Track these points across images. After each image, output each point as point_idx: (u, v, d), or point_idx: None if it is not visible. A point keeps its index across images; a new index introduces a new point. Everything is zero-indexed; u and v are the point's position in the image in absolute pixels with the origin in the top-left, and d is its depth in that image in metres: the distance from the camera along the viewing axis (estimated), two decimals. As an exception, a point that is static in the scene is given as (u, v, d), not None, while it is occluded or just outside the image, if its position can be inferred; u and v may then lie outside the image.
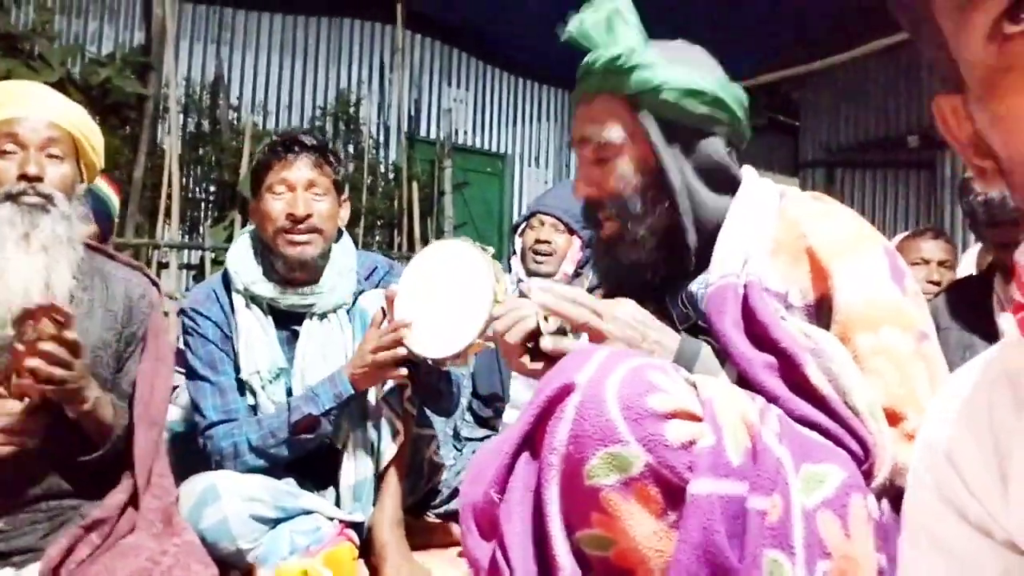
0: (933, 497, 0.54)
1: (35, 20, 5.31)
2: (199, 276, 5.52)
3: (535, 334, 1.08)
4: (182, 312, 1.79)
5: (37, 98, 1.38)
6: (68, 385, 1.23)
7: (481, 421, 2.37)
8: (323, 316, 1.76)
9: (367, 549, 1.63)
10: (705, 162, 1.07)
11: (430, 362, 1.53)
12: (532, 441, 0.86)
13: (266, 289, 1.73)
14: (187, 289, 5.24)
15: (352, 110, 6.82)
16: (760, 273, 1.00)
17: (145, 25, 5.93)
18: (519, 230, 2.61)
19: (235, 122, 6.20)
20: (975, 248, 2.81)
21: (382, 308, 1.61)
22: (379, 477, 1.65)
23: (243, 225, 5.33)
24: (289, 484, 1.65)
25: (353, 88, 6.91)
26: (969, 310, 1.84)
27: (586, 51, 1.07)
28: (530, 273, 2.51)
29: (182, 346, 1.77)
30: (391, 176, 6.92)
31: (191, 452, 1.72)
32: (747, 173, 1.12)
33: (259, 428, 1.65)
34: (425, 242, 6.45)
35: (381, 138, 7.04)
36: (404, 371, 1.58)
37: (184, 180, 5.71)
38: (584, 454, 0.79)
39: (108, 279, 1.44)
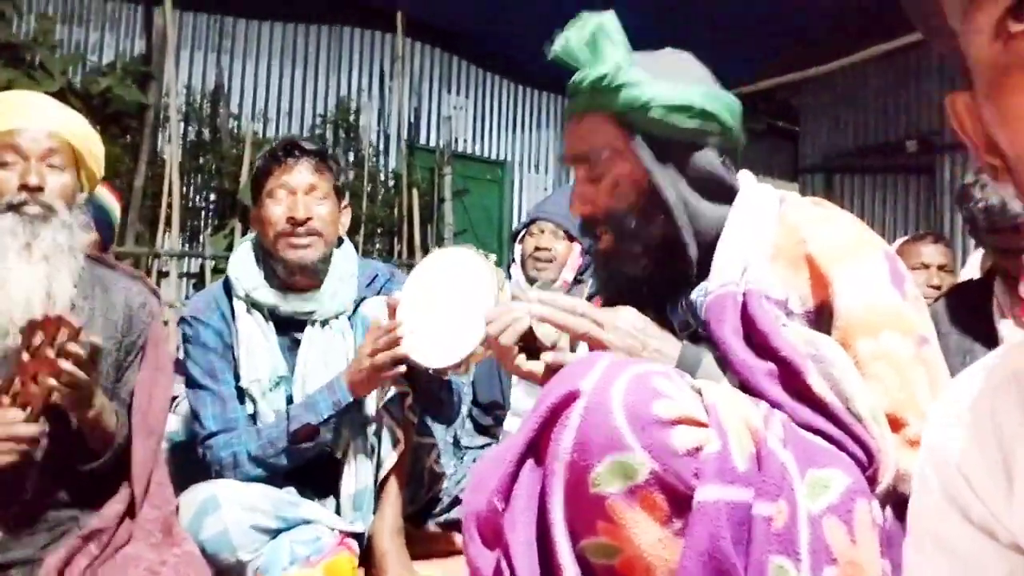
0: (937, 500, 0.54)
1: (36, 30, 5.33)
2: (199, 285, 5.52)
3: (530, 335, 1.08)
4: (182, 320, 1.78)
5: (37, 109, 1.39)
6: (81, 392, 1.23)
7: (481, 429, 2.37)
8: (325, 323, 1.76)
9: (367, 558, 1.62)
10: (699, 175, 1.07)
11: (431, 371, 1.53)
12: (536, 449, 0.85)
13: (267, 295, 1.73)
14: (187, 298, 5.24)
15: (352, 118, 6.84)
16: (760, 280, 1.00)
17: (146, 34, 5.95)
18: (519, 237, 2.61)
19: (235, 130, 6.22)
20: (979, 252, 2.81)
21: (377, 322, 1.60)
22: (379, 486, 1.64)
23: (243, 234, 5.34)
24: (290, 493, 1.65)
25: (353, 96, 6.93)
26: (969, 314, 1.84)
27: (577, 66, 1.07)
28: (530, 280, 2.51)
29: (182, 355, 1.77)
30: (391, 183, 6.94)
31: (191, 462, 1.71)
32: (744, 179, 1.12)
33: (258, 438, 1.64)
34: (425, 249, 6.46)
35: (381, 146, 7.06)
36: (403, 368, 1.57)
37: (184, 189, 5.72)
38: (589, 461, 0.79)
39: (108, 288, 1.44)
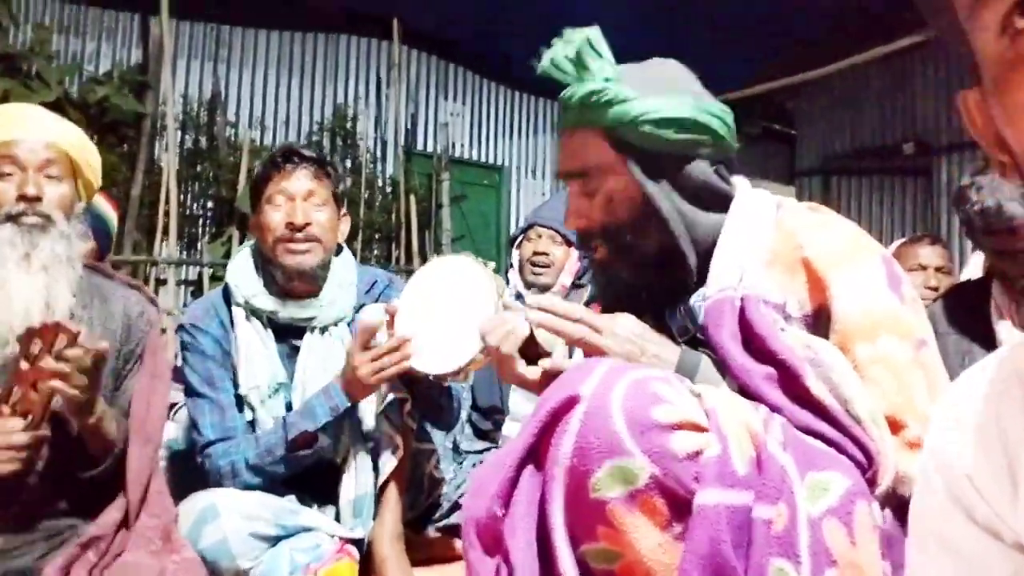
0: (942, 501, 0.54)
1: (33, 40, 5.34)
2: (197, 292, 5.53)
3: (529, 341, 1.08)
4: (180, 328, 1.78)
5: (35, 120, 1.40)
6: (81, 398, 1.24)
7: (481, 434, 2.37)
8: (324, 330, 1.76)
9: (367, 564, 1.62)
10: (693, 186, 1.07)
11: (431, 378, 1.53)
12: (536, 454, 0.85)
13: (266, 302, 1.73)
14: (185, 305, 5.23)
15: (349, 125, 6.85)
16: (757, 285, 1.00)
17: (142, 43, 5.97)
18: (516, 242, 2.61)
19: (232, 138, 6.22)
20: (980, 253, 2.82)
21: (368, 325, 1.59)
22: (379, 492, 1.64)
23: (241, 241, 5.35)
24: (290, 501, 1.64)
25: (350, 103, 6.95)
26: (967, 315, 1.85)
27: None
28: (528, 285, 2.51)
29: (180, 363, 1.77)
30: (389, 190, 6.95)
31: (190, 470, 1.71)
32: (739, 185, 1.12)
33: (256, 446, 1.64)
34: (423, 255, 6.46)
35: (378, 152, 7.07)
36: (404, 363, 1.56)
37: (182, 197, 5.72)
38: (589, 467, 0.79)
39: (107, 298, 1.45)
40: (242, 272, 1.77)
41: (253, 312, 1.74)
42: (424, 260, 5.94)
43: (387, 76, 7.02)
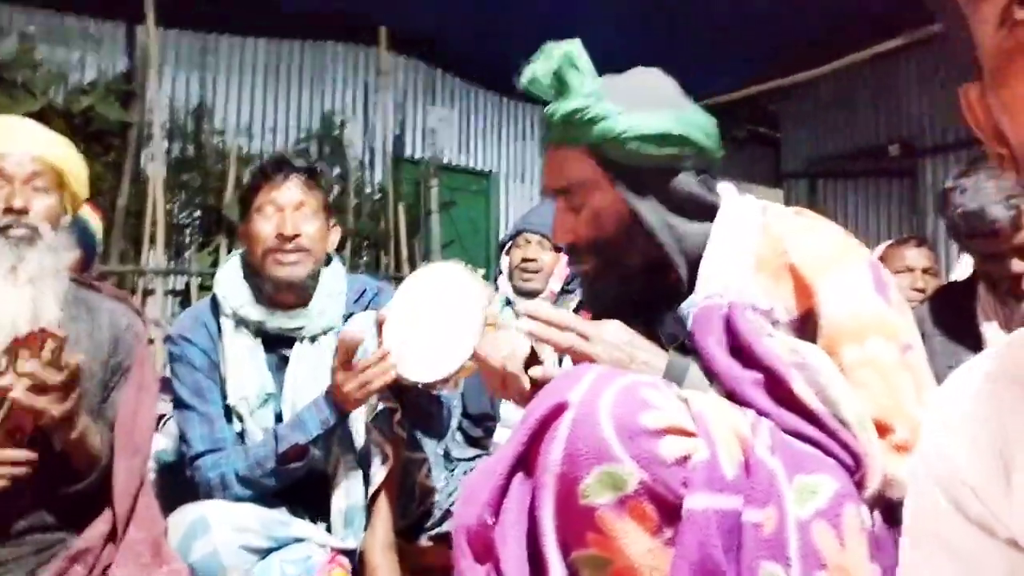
0: (936, 499, 0.54)
1: (17, 49, 5.30)
2: (185, 302, 5.49)
3: (532, 357, 1.09)
4: (168, 339, 1.77)
5: (22, 133, 1.41)
6: (61, 413, 1.22)
7: (472, 441, 2.37)
8: (313, 339, 1.75)
9: (360, 574, 1.61)
10: (678, 197, 1.07)
11: (420, 386, 1.52)
12: (526, 461, 0.86)
13: (254, 312, 1.73)
14: (173, 315, 5.20)
15: (337, 132, 6.83)
16: (744, 291, 1.01)
17: (128, 52, 5.93)
18: (506, 248, 2.62)
19: (220, 147, 6.19)
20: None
21: (348, 341, 1.59)
22: (370, 502, 1.63)
23: (229, 250, 5.32)
24: (280, 512, 1.64)
25: (337, 111, 6.93)
26: (954, 317, 1.86)
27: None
28: (518, 291, 2.51)
29: (168, 374, 1.76)
30: (377, 197, 6.93)
31: (179, 482, 1.70)
32: (725, 192, 1.13)
33: (246, 458, 1.63)
34: (412, 262, 6.45)
35: (366, 160, 7.05)
36: (390, 376, 1.56)
37: (169, 206, 5.68)
38: (578, 473, 0.79)
39: (94, 310, 1.45)
40: (230, 282, 1.77)
41: (241, 322, 1.73)
42: (414, 267, 5.93)
43: (375, 83, 7.01)
